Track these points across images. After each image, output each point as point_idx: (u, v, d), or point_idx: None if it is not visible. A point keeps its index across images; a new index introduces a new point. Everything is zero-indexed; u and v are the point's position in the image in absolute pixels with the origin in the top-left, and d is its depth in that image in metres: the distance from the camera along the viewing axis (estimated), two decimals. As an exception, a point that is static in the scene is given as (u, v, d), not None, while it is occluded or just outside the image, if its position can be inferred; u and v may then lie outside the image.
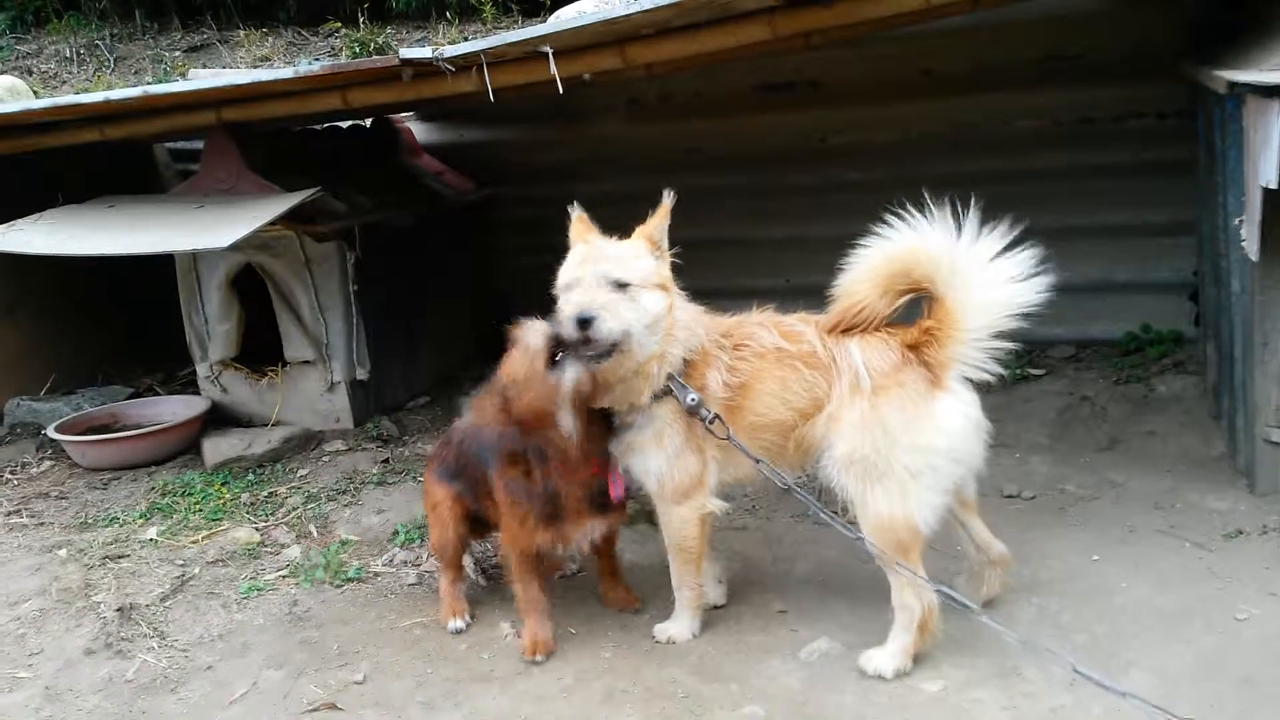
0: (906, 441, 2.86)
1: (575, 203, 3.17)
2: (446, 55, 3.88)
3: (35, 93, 7.24)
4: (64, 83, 8.51)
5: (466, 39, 7.16)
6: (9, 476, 5.11)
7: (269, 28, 8.84)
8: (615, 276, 2.92)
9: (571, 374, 2.88)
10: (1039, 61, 5.47)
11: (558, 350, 2.89)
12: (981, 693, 2.85)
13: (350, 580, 3.81)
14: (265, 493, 4.65)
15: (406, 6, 8.39)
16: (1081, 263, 5.37)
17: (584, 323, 2.85)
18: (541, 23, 4.09)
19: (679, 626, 3.25)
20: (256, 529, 4.28)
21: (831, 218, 5.14)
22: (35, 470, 5.18)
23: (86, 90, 7.53)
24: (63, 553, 4.19)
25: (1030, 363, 5.43)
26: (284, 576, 3.88)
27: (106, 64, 8.75)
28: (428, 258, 5.91)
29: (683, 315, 3.04)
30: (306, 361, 5.32)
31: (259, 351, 5.45)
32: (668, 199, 3.05)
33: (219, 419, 5.40)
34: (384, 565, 3.91)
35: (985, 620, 2.81)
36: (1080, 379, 5.28)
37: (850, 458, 2.92)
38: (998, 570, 3.22)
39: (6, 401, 5.68)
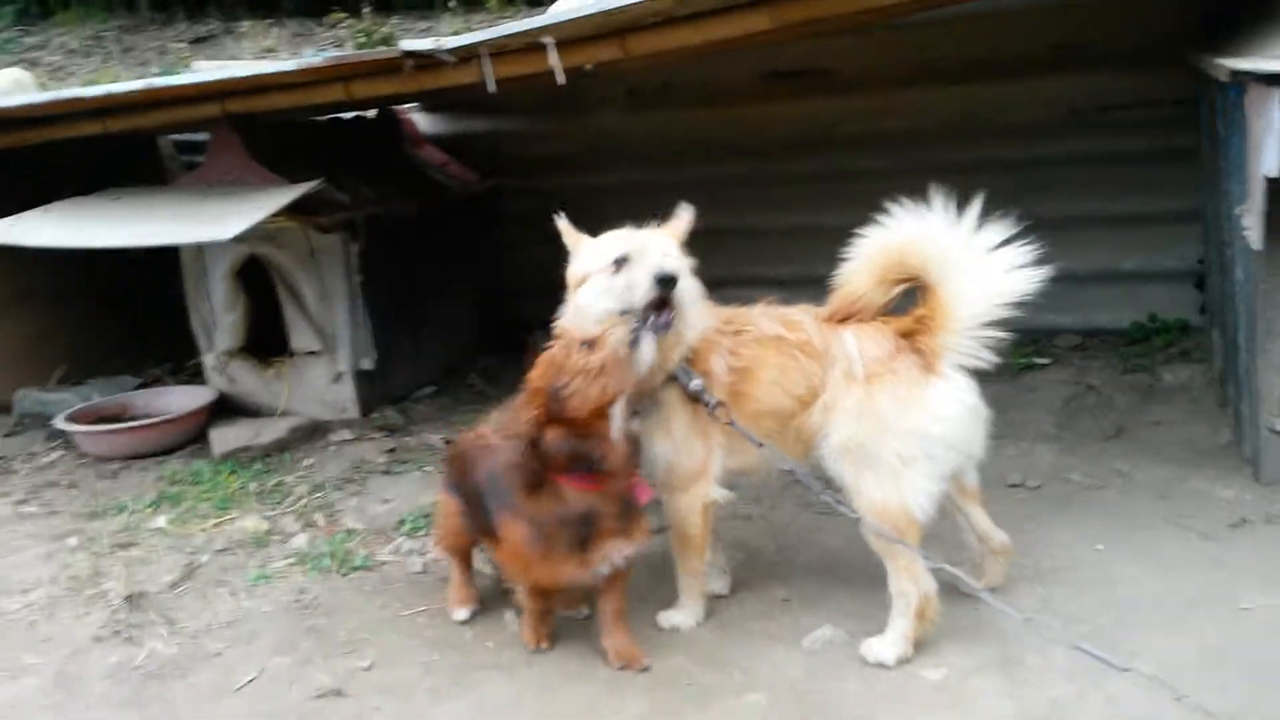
0: (900, 428, 2.88)
1: (560, 213, 3.16)
2: (448, 47, 3.87)
3: (42, 85, 7.25)
4: (70, 75, 8.53)
5: (471, 29, 7.16)
6: (19, 466, 5.14)
7: (274, 19, 8.85)
8: (668, 253, 2.94)
9: (649, 347, 2.75)
10: (1048, 49, 5.45)
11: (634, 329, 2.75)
12: (983, 681, 2.86)
13: (357, 569, 3.83)
14: (272, 482, 4.68)
15: (410, -4, 8.40)
16: (1088, 251, 5.36)
17: (666, 281, 2.81)
18: (543, 13, 4.09)
19: (683, 614, 3.26)
20: (264, 518, 4.30)
21: (839, 207, 5.12)
22: (45, 460, 5.21)
23: (93, 82, 7.55)
24: (72, 541, 4.22)
25: (1036, 352, 5.42)
26: (291, 565, 3.90)
27: (112, 56, 8.76)
28: (432, 248, 5.92)
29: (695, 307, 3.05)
30: (312, 352, 5.34)
31: (266, 342, 5.47)
32: (687, 214, 3.07)
33: (226, 409, 5.42)
34: (390, 554, 3.93)
35: (986, 598, 2.82)
36: (1086, 368, 5.27)
37: (845, 445, 2.94)
38: (999, 560, 3.23)
39: (16, 392, 5.71)
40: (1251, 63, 3.13)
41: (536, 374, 2.80)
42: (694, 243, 3.11)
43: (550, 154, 6.49)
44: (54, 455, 5.25)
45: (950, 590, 2.99)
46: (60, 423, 5.23)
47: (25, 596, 3.79)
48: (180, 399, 5.51)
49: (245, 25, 8.62)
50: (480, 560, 3.65)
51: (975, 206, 2.85)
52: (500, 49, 3.91)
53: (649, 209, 3.15)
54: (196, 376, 5.82)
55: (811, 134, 6.00)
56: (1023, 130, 5.59)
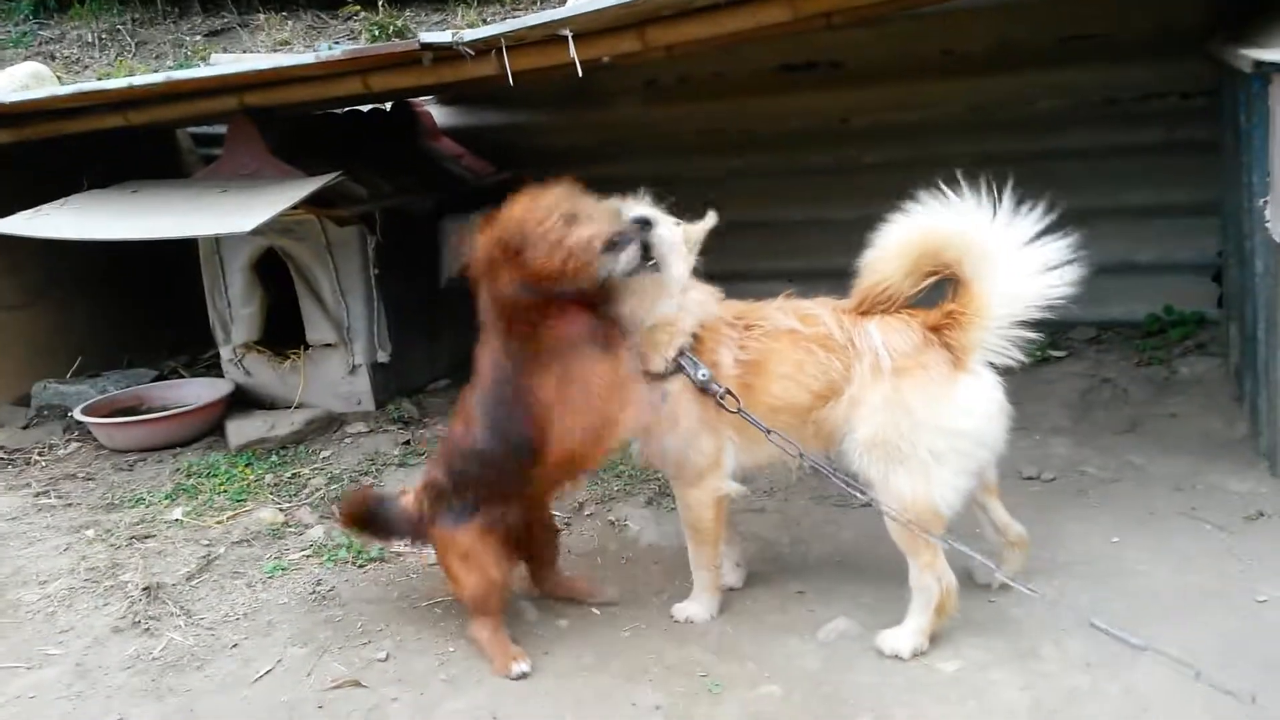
0: (930, 424, 2.85)
1: None
2: (466, 39, 3.88)
3: (59, 78, 7.29)
4: (86, 68, 8.57)
5: (485, 22, 7.16)
6: (37, 458, 5.18)
7: (288, 11, 8.86)
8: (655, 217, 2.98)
9: (628, 257, 2.73)
10: (1062, 41, 5.42)
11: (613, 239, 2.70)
12: (999, 673, 2.86)
13: (372, 560, 3.85)
14: (288, 474, 4.70)
15: (425, -11, 8.38)
16: (1104, 243, 5.25)
17: (645, 223, 2.88)
18: (561, 6, 4.10)
19: (697, 607, 3.27)
20: (280, 509, 4.33)
21: (853, 199, 5.12)
22: (62, 452, 5.25)
23: (109, 75, 7.59)
24: (90, 533, 4.26)
25: (1051, 344, 5.39)
26: (307, 556, 3.93)
27: (128, 49, 8.80)
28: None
29: (696, 294, 3.05)
30: (328, 344, 5.36)
31: (282, 335, 5.50)
32: (712, 217, 3.08)
33: (242, 401, 5.45)
34: (406, 545, 3.94)
35: (1016, 584, 2.80)
36: (1102, 360, 5.25)
37: (873, 440, 2.91)
38: (1016, 552, 3.22)
39: (34, 384, 5.76)
40: (1276, 54, 3.11)
41: (513, 212, 2.75)
42: (710, 236, 3.11)
43: (566, 146, 6.48)
44: (71, 447, 5.29)
45: (965, 583, 2.99)
46: (78, 415, 5.27)
47: (44, 588, 3.83)
48: (197, 391, 5.54)
49: (260, 18, 8.64)
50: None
51: (1009, 200, 2.78)
52: (518, 41, 3.91)
53: (664, 201, 3.15)
54: (213, 369, 5.86)
55: (825, 127, 5.99)
56: (1038, 122, 5.56)
